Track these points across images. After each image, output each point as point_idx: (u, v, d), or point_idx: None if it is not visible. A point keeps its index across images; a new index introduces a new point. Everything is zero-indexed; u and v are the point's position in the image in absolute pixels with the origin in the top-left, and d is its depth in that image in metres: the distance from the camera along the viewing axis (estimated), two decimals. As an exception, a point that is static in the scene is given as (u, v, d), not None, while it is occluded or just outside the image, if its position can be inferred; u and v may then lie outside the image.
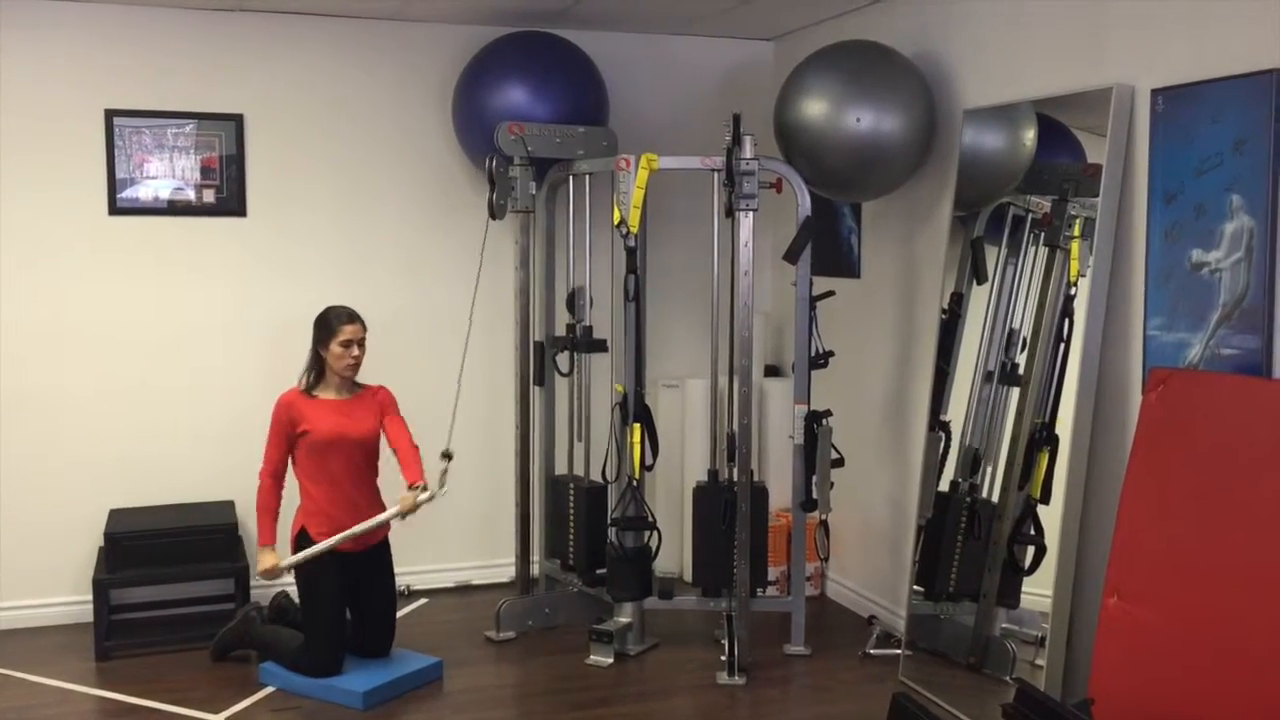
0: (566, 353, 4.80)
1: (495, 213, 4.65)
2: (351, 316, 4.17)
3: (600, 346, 4.70)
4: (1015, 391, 3.90)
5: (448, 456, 4.28)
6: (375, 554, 4.28)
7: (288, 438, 4.15)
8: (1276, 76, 3.01)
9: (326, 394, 4.19)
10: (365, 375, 4.33)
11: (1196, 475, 3.09)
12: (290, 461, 4.21)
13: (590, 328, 4.75)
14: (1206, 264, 3.23)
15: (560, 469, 4.98)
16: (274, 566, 4.14)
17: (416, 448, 4.24)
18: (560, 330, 4.88)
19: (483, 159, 4.88)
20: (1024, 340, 3.89)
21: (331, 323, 4.15)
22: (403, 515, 4.16)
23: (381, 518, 4.17)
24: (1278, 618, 2.81)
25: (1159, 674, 3.05)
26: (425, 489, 4.13)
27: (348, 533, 4.11)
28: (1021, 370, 3.89)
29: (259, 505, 4.16)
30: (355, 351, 4.16)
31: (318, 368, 4.19)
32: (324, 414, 4.14)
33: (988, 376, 4.03)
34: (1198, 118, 3.25)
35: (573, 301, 4.75)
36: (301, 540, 4.15)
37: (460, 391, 4.57)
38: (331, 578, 4.15)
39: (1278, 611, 2.81)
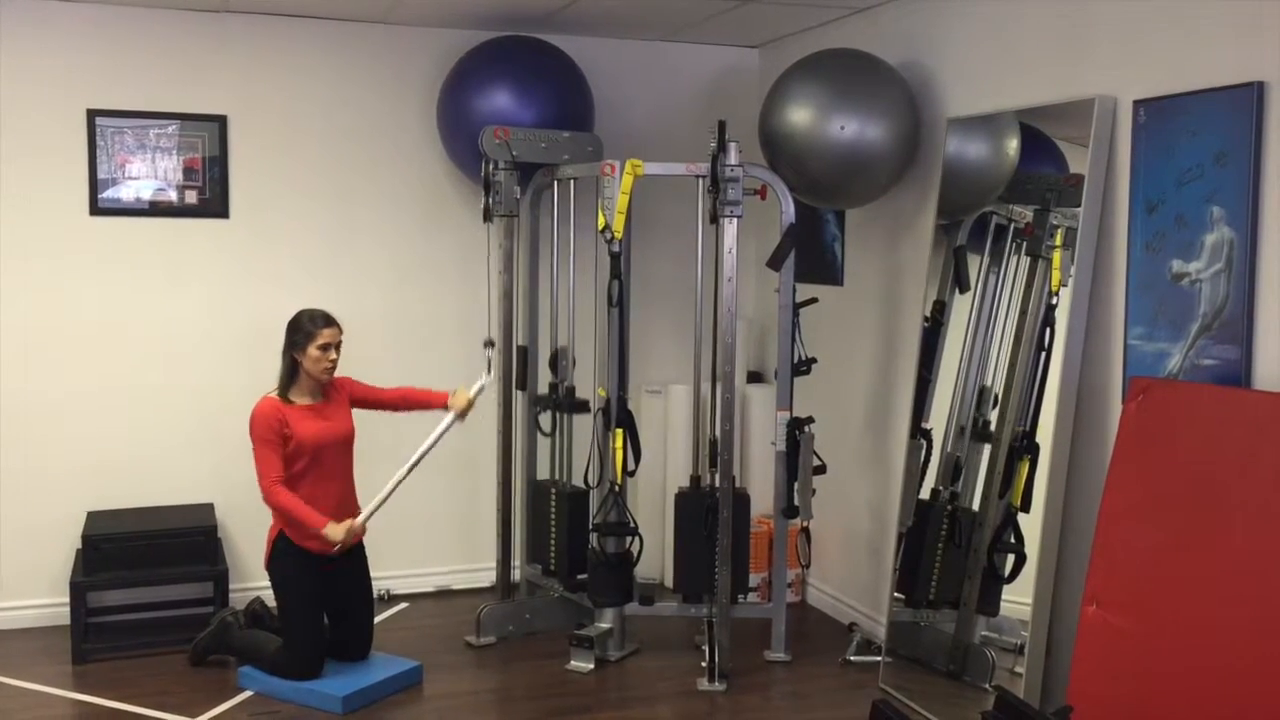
0: (549, 412, 4.80)
1: (489, 216, 4.65)
2: (328, 320, 4.15)
3: (583, 408, 4.70)
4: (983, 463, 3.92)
5: (490, 344, 4.45)
6: (351, 557, 4.26)
7: (281, 441, 4.06)
8: (1258, 89, 3.04)
9: (301, 399, 4.16)
10: (348, 375, 4.33)
11: (1176, 484, 3.10)
12: None
13: (573, 389, 4.76)
14: (1187, 275, 3.25)
15: (542, 474, 4.97)
16: (351, 526, 4.09)
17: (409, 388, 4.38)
18: (544, 389, 4.87)
19: (467, 163, 4.90)
20: (995, 397, 3.91)
21: (308, 326, 4.12)
22: (462, 416, 4.27)
23: (442, 427, 4.22)
24: (1256, 626, 2.83)
25: (1137, 682, 3.07)
26: (473, 386, 4.23)
27: (419, 453, 4.17)
28: (993, 427, 3.90)
29: (290, 507, 4.02)
30: (333, 355, 4.14)
31: (293, 372, 4.16)
32: (305, 420, 4.12)
33: (960, 432, 4.05)
34: (1179, 129, 3.27)
35: (556, 362, 4.76)
36: (279, 543, 4.13)
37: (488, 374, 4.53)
38: (307, 581, 4.13)
39: (1256, 620, 2.83)
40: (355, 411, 4.31)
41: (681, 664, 4.45)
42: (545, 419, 4.86)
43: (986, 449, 3.94)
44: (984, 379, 3.99)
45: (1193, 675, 2.94)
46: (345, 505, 4.21)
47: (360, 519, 4.15)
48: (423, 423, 4.37)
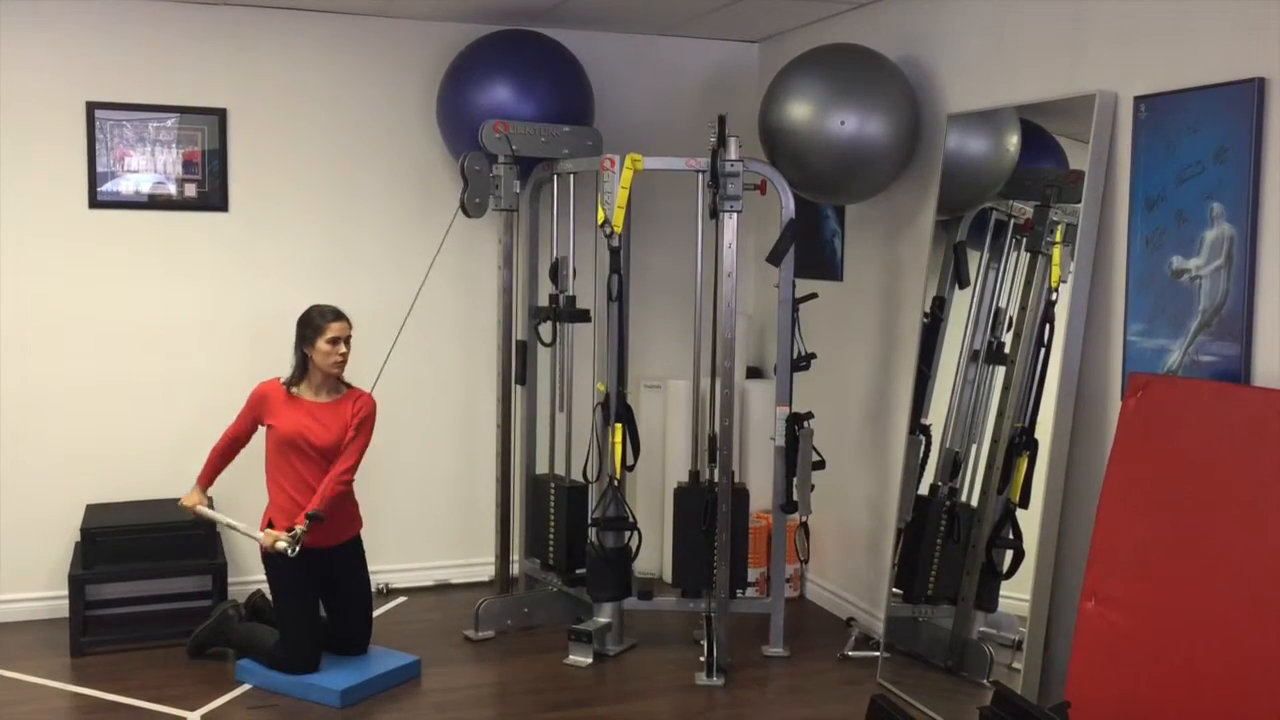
0: (550, 323, 4.79)
1: (470, 211, 4.63)
2: (337, 314, 4.16)
3: (583, 316, 4.70)
4: (998, 385, 3.91)
5: (312, 519, 4.04)
6: (348, 550, 4.27)
7: (250, 420, 4.22)
8: (1258, 85, 3.04)
9: (305, 394, 4.16)
10: (346, 371, 4.32)
11: (1175, 481, 3.11)
12: (265, 457, 4.20)
13: (573, 298, 4.73)
14: (1187, 271, 3.25)
15: (541, 468, 4.97)
16: (194, 505, 4.28)
17: (343, 484, 4.13)
18: (543, 300, 4.87)
19: (467, 157, 4.89)
20: (1010, 320, 3.89)
21: (317, 320, 4.13)
22: (261, 543, 4.10)
23: (250, 532, 4.20)
24: (1254, 622, 2.83)
25: (1136, 677, 3.07)
26: (294, 535, 4.00)
27: (232, 524, 4.25)
28: (1008, 350, 3.88)
29: (210, 453, 4.27)
30: (342, 349, 4.14)
31: (303, 367, 4.17)
32: (292, 413, 4.12)
33: (974, 356, 4.03)
34: (1180, 126, 3.27)
35: (556, 272, 4.74)
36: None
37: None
38: (304, 574, 4.13)
39: (1254, 616, 2.83)
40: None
41: (680, 659, 4.46)
42: (546, 330, 4.84)
43: (986, 445, 3.94)
44: (999, 302, 3.96)
45: (1190, 670, 2.94)
46: (301, 507, 4.10)
47: (202, 509, 4.29)
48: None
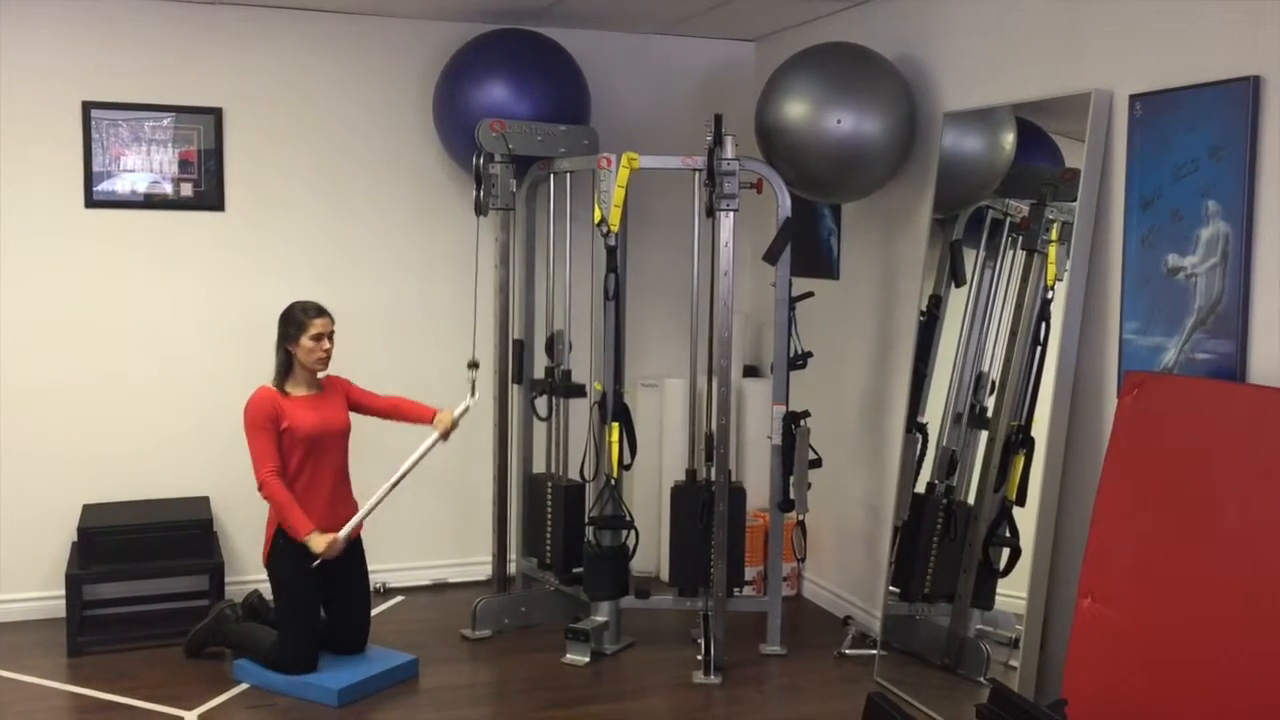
0: (545, 397, 4.79)
1: (483, 210, 4.63)
2: (320, 310, 4.16)
3: (579, 391, 4.68)
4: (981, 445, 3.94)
5: (475, 365, 4.41)
6: (348, 550, 4.26)
7: (276, 434, 4.06)
8: (1254, 84, 3.04)
9: (297, 391, 4.17)
10: (344, 372, 4.33)
11: (1171, 479, 3.11)
12: None
13: (569, 372, 4.75)
14: (1182, 269, 3.26)
15: (538, 467, 4.97)
16: (334, 540, 4.09)
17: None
18: (539, 373, 4.88)
19: (463, 156, 4.88)
20: (993, 384, 3.92)
21: (300, 317, 4.12)
22: (445, 437, 4.29)
23: (425, 445, 4.25)
24: (1249, 620, 2.83)
25: (1132, 675, 3.08)
26: (458, 407, 4.28)
27: (402, 470, 4.19)
28: (990, 413, 3.91)
29: (281, 502, 4.04)
30: (326, 345, 4.14)
31: (287, 364, 4.16)
32: (302, 410, 4.12)
33: (956, 419, 4.06)
34: (1175, 124, 3.27)
35: (552, 346, 4.75)
36: (280, 536, 4.12)
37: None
38: (307, 574, 4.12)
39: (1249, 614, 2.84)
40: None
41: (677, 657, 4.46)
42: (541, 403, 4.84)
43: (983, 442, 3.94)
44: (980, 366, 3.99)
45: (1187, 668, 2.94)
46: (338, 500, 4.21)
47: (342, 533, 4.14)
48: (411, 432, 4.37)
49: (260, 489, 4.07)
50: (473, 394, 4.39)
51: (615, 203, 4.32)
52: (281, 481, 4.05)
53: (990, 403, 3.92)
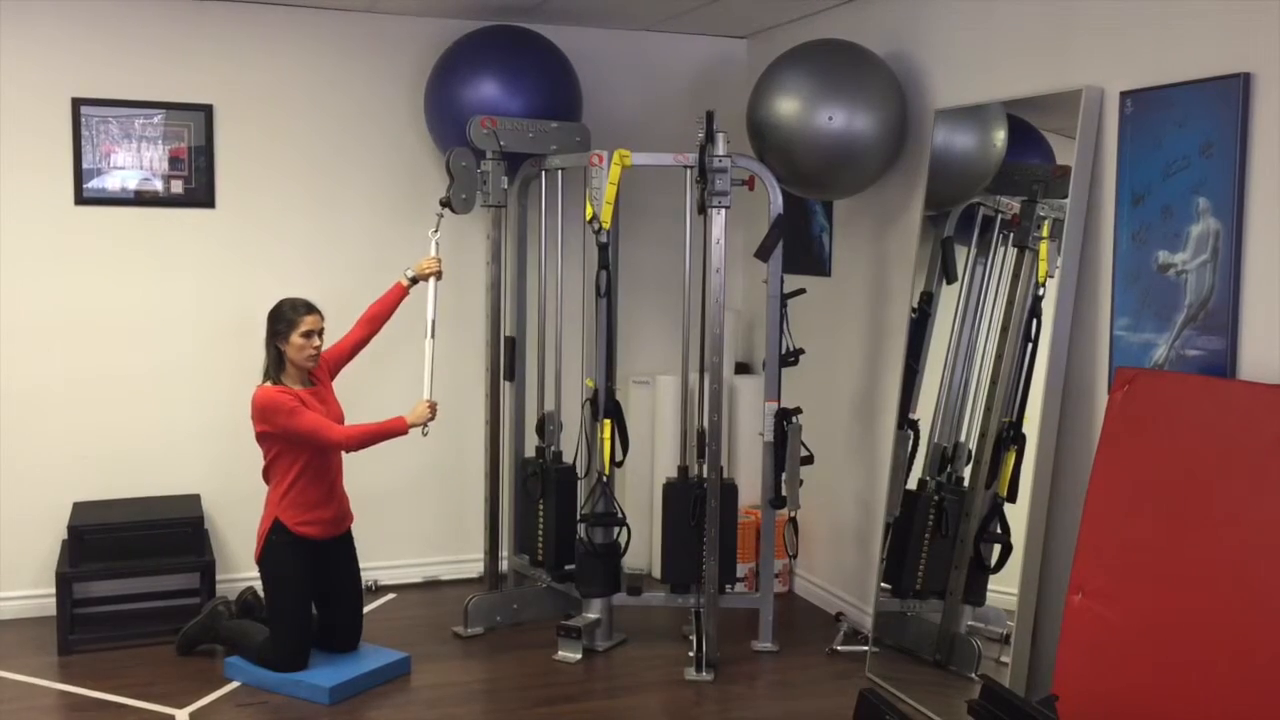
0: (537, 478, 4.73)
1: (456, 207, 4.62)
2: (310, 307, 4.15)
3: (569, 475, 4.67)
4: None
5: (444, 204, 4.50)
6: (341, 547, 4.27)
7: (304, 408, 4.06)
8: (1244, 81, 3.05)
9: (294, 386, 4.16)
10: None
11: (1161, 474, 3.12)
12: (263, 456, 4.17)
13: (560, 453, 4.75)
14: (1173, 265, 3.26)
15: (530, 454, 4.96)
16: (430, 404, 4.22)
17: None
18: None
19: (456, 153, 4.89)
20: (969, 454, 3.93)
21: (290, 314, 4.12)
22: (439, 274, 4.42)
23: (433, 293, 4.39)
24: (1240, 615, 2.84)
25: (1123, 671, 3.08)
26: (430, 253, 4.41)
27: (431, 320, 4.33)
28: (966, 483, 3.93)
29: (367, 431, 4.11)
30: (315, 342, 4.14)
31: (278, 361, 4.15)
32: (309, 405, 4.12)
33: (921, 485, 4.11)
34: (1166, 121, 3.28)
35: (543, 427, 4.75)
36: (274, 533, 4.12)
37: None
38: (298, 571, 4.12)
39: (1240, 609, 2.85)
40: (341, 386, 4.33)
41: (669, 654, 4.46)
42: (534, 484, 4.74)
43: (973, 440, 3.95)
44: (958, 437, 4.02)
45: (1177, 662, 2.95)
46: (334, 496, 4.22)
47: (427, 396, 4.25)
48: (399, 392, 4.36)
49: (340, 445, 4.11)
50: (435, 230, 4.48)
51: (607, 200, 4.31)
52: (339, 427, 4.11)
53: (967, 473, 3.94)
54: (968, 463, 3.93)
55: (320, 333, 4.16)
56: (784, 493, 4.43)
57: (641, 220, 5.24)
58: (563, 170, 4.72)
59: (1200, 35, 3.20)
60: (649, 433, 5.31)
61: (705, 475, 4.39)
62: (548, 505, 4.70)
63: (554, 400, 4.80)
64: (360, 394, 4.63)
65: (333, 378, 4.33)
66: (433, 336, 4.33)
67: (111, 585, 4.76)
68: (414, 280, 4.44)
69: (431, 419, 4.22)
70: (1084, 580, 3.24)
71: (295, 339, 4.10)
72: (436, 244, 4.47)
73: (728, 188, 4.29)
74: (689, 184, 4.43)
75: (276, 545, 4.12)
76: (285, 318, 4.12)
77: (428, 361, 4.30)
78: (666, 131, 5.16)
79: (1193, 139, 3.19)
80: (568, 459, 4.71)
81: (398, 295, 4.46)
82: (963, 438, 3.99)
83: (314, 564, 4.15)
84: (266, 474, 4.18)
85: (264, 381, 4.13)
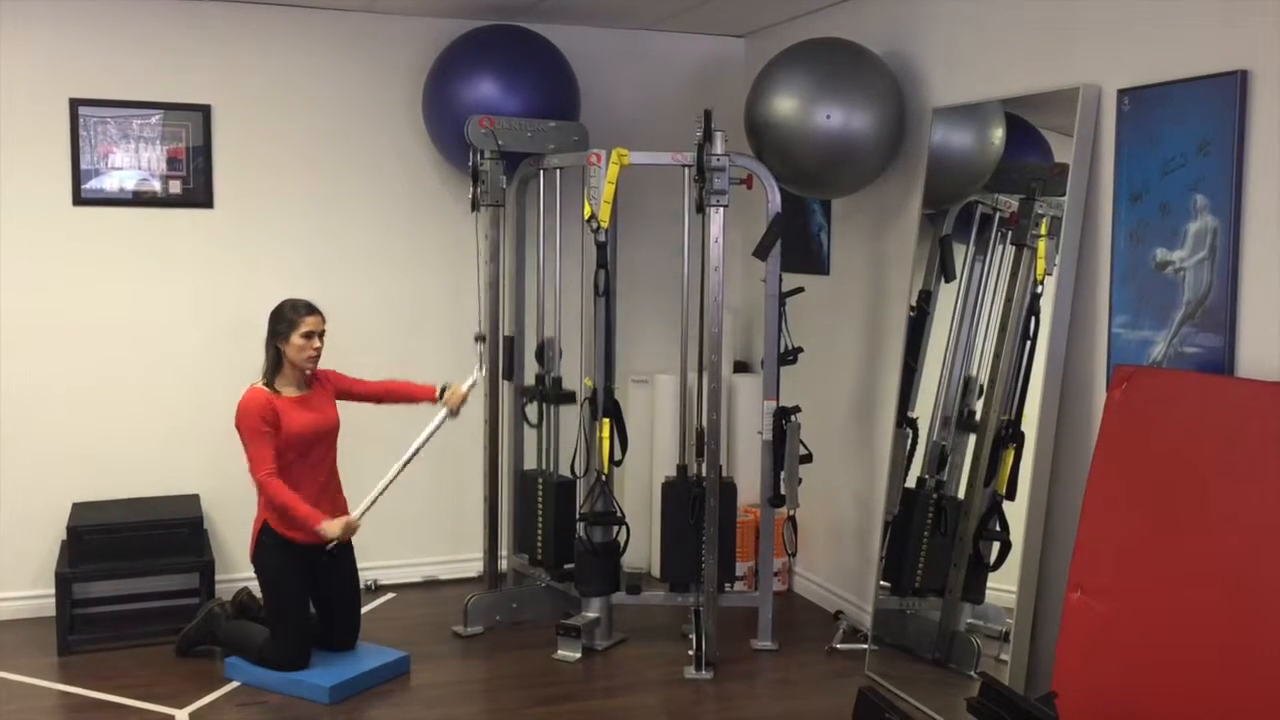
0: (535, 404, 4.78)
1: (477, 205, 4.63)
2: (310, 308, 4.15)
3: (569, 399, 4.68)
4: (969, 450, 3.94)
5: (482, 339, 4.49)
6: (338, 545, 4.25)
7: (271, 431, 4.03)
8: (1241, 78, 3.05)
9: (287, 390, 4.15)
10: (333, 368, 4.32)
11: (1159, 472, 3.12)
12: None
13: (560, 379, 4.74)
14: (1171, 263, 3.27)
15: (529, 464, 4.97)
16: (348, 523, 4.12)
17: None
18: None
19: (453, 152, 4.89)
20: (981, 388, 3.92)
21: (290, 315, 4.11)
22: (455, 413, 4.35)
23: (435, 423, 4.29)
24: (1238, 612, 2.85)
25: (1122, 668, 3.09)
26: (465, 382, 4.32)
27: (412, 450, 4.24)
28: (979, 416, 3.92)
29: (286, 502, 4.00)
30: (316, 343, 4.14)
31: (277, 362, 4.15)
32: (294, 411, 4.11)
33: (945, 422, 4.07)
34: (1163, 118, 3.28)
35: (542, 353, 4.75)
36: (264, 536, 4.12)
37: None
38: (293, 572, 4.12)
39: (1238, 606, 2.85)
40: (340, 403, 4.31)
41: (668, 653, 4.46)
42: (532, 410, 4.84)
43: (972, 438, 3.95)
44: (969, 369, 4.01)
45: (1176, 660, 2.96)
46: (325, 496, 4.19)
47: (356, 514, 4.17)
48: (411, 418, 4.38)
49: (261, 490, 4.05)
50: (480, 368, 4.44)
51: (605, 199, 4.31)
52: (280, 481, 4.02)
53: (979, 405, 3.93)
54: (979, 396, 3.91)
55: (321, 334, 4.15)
56: (783, 491, 4.43)
57: (640, 219, 5.24)
58: (561, 169, 4.72)
59: (1197, 33, 3.20)
60: (648, 432, 5.31)
61: (704, 474, 4.39)
62: (547, 504, 4.71)
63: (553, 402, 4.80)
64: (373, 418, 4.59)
65: (337, 395, 4.28)
66: (404, 465, 4.22)
67: (111, 586, 4.75)
68: (441, 396, 4.36)
69: (340, 540, 4.12)
70: (1083, 577, 3.24)
71: (295, 339, 4.09)
72: (474, 382, 4.42)
73: (726, 186, 4.29)
74: (687, 183, 4.43)
75: (268, 546, 4.12)
76: (286, 318, 4.11)
77: (382, 482, 4.21)
78: (665, 130, 5.16)
79: (1190, 136, 3.19)
80: (568, 386, 4.70)
81: (423, 396, 4.40)
82: (973, 371, 3.98)
83: (308, 564, 4.15)
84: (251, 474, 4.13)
85: (260, 381, 4.12)
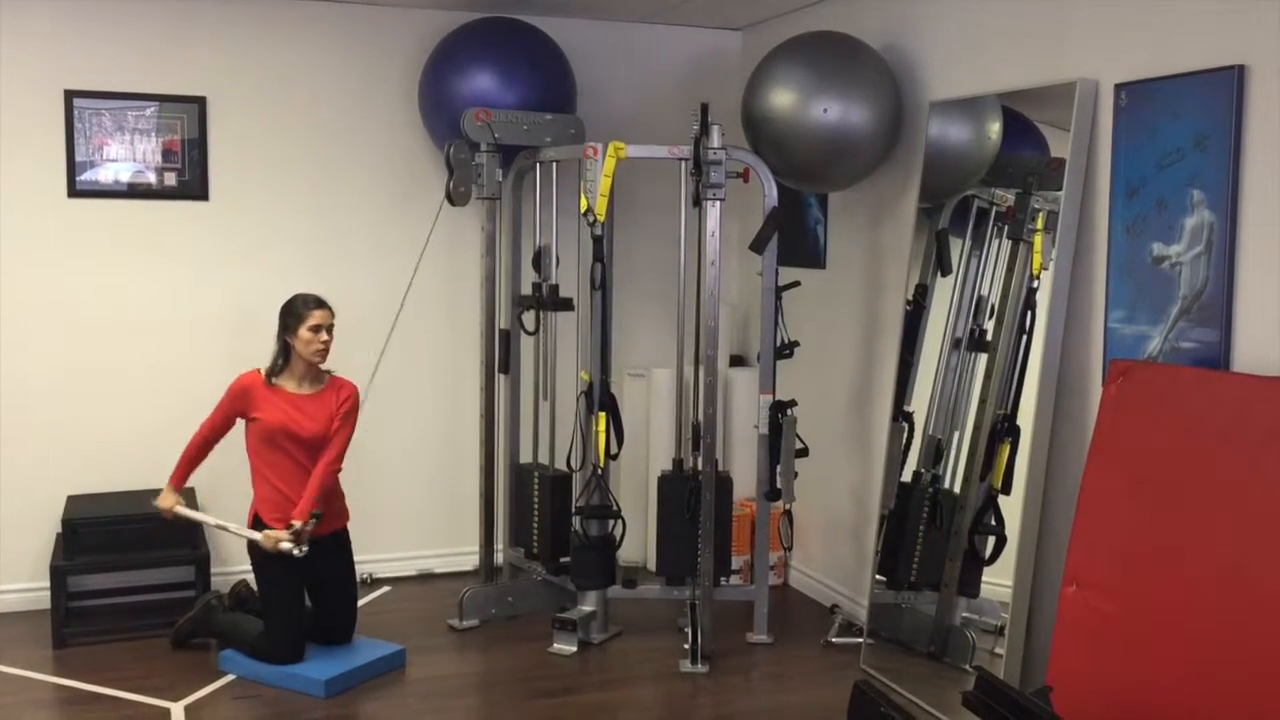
0: (532, 312, 4.78)
1: (454, 199, 4.62)
2: (320, 302, 4.15)
3: (567, 305, 4.66)
4: (980, 373, 3.92)
5: (316, 517, 4.08)
6: (334, 540, 4.26)
7: (230, 414, 4.16)
8: (1238, 72, 3.05)
9: (287, 384, 4.15)
10: (330, 360, 4.31)
11: (1155, 466, 3.12)
12: (245, 447, 4.18)
13: (556, 286, 4.71)
14: (1167, 258, 3.27)
15: (525, 457, 4.97)
16: (170, 506, 4.22)
17: (333, 474, 4.17)
18: (526, 288, 4.86)
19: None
20: (992, 307, 3.90)
21: (299, 308, 4.12)
22: (266, 541, 4.06)
23: (243, 532, 4.15)
24: (1234, 606, 2.85)
25: (1117, 662, 3.09)
26: (296, 531, 4.02)
27: (218, 524, 4.23)
28: (990, 336, 3.90)
29: (183, 453, 4.19)
30: (324, 337, 4.13)
31: (285, 356, 4.15)
32: (276, 404, 4.11)
33: (955, 343, 4.05)
34: (1160, 113, 3.28)
35: (539, 260, 4.73)
36: (255, 527, 4.14)
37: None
38: (290, 564, 4.11)
39: (1234, 600, 2.85)
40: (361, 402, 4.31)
41: (664, 646, 4.46)
42: (529, 319, 4.81)
43: (969, 436, 3.95)
44: (980, 290, 3.96)
45: (1171, 654, 2.96)
46: (289, 500, 4.12)
47: (181, 510, 4.24)
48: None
49: (182, 456, 4.22)
50: (302, 546, 4.05)
51: (601, 192, 4.31)
52: (201, 442, 4.18)
53: (990, 326, 3.91)
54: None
55: (329, 329, 4.15)
56: (779, 485, 4.43)
57: (636, 213, 5.23)
58: (557, 163, 4.71)
59: (1194, 27, 3.20)
60: (644, 425, 5.31)
61: (700, 468, 4.39)
62: (543, 498, 4.70)
63: (550, 394, 4.80)
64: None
65: (334, 419, 4.18)
66: (221, 528, 4.25)
67: (106, 579, 4.75)
68: (289, 526, 4.06)
69: (161, 513, 4.22)
70: (1078, 572, 3.25)
71: (303, 333, 4.10)
72: (292, 551, 4.04)
73: (722, 180, 4.29)
74: (684, 176, 4.42)
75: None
76: (295, 312, 4.12)
77: (212, 519, 4.29)
78: (661, 124, 5.15)
79: (1187, 131, 3.19)
80: (565, 292, 4.66)
81: (299, 509, 4.08)
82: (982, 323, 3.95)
83: (304, 559, 4.13)
84: None
85: (263, 368, 4.16)
